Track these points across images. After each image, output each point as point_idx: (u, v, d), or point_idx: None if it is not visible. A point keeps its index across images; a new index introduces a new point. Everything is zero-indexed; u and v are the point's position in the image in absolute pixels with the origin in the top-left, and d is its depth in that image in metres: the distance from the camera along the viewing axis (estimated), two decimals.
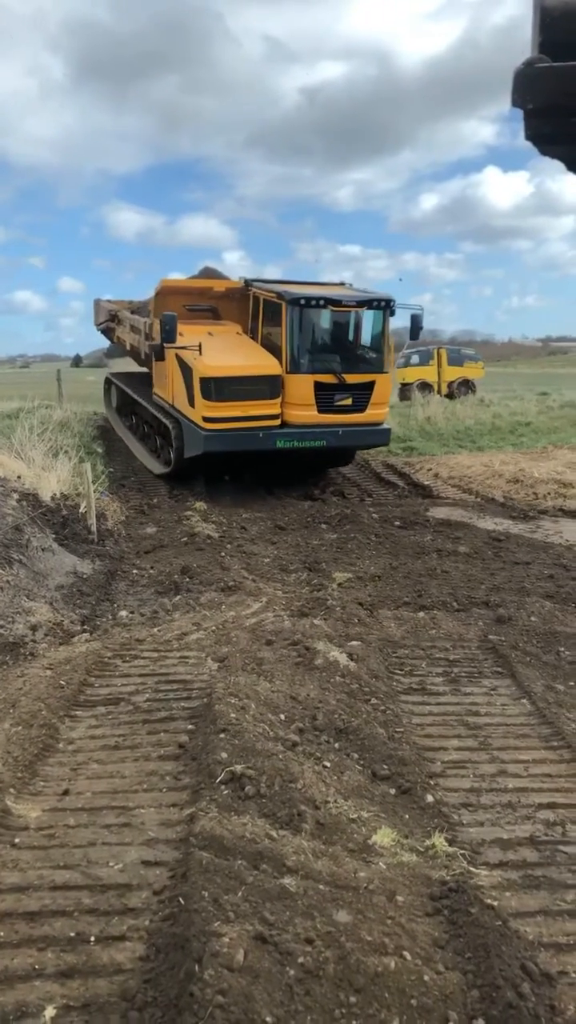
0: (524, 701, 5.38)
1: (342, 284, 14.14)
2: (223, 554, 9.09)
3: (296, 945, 2.87)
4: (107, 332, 18.46)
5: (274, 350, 12.59)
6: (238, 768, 4.05)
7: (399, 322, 13.90)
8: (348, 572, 8.34)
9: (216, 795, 3.89)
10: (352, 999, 2.70)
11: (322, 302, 12.43)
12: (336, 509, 11.90)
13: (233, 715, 4.63)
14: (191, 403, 12.11)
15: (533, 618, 6.93)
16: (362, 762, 4.44)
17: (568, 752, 4.66)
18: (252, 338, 13.33)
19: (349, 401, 12.67)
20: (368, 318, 13.00)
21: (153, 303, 13.55)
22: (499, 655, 6.16)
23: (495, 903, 3.27)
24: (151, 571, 8.36)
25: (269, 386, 12.16)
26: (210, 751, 4.28)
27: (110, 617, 6.95)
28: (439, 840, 3.70)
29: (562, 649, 6.27)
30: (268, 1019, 2.59)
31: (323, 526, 10.82)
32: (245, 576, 8.18)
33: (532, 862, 3.66)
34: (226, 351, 12.31)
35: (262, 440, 12.16)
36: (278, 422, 12.26)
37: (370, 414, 12.94)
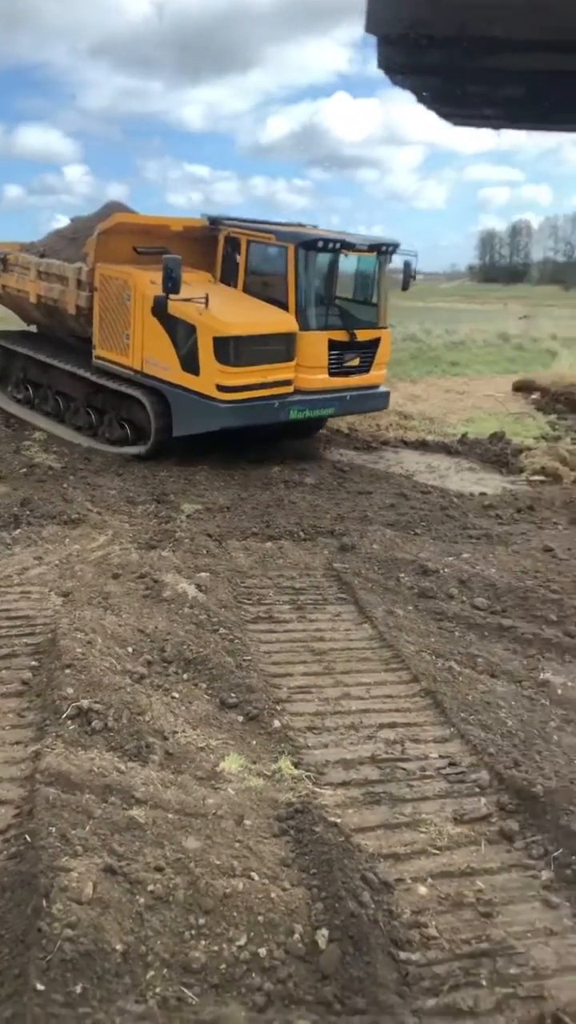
0: (366, 626, 5.58)
1: (301, 225, 11.56)
2: (66, 486, 8.82)
3: (146, 874, 2.90)
4: None
5: (270, 303, 10.44)
6: (85, 703, 4.00)
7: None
8: (197, 504, 8.29)
9: (62, 731, 3.84)
10: (201, 921, 2.77)
11: (338, 245, 10.37)
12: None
13: (79, 650, 4.55)
14: (191, 368, 9.70)
15: (375, 546, 7.15)
16: (210, 691, 4.49)
17: (407, 674, 4.89)
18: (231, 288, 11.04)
19: (357, 361, 10.80)
20: (374, 265, 11.10)
21: (95, 243, 10.63)
22: (343, 582, 6.33)
23: (338, 820, 3.41)
24: None
25: (286, 346, 10.01)
26: (55, 687, 4.20)
27: None
28: (285, 764, 3.81)
29: (402, 575, 6.51)
30: (118, 947, 2.61)
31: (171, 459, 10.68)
32: (90, 509, 7.98)
33: (373, 779, 3.84)
34: (229, 304, 10.13)
35: (276, 411, 10.08)
36: (291, 388, 10.15)
37: (373, 375, 11.16)
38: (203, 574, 6.14)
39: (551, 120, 6.13)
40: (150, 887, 2.85)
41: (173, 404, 9.94)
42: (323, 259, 10.51)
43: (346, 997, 2.60)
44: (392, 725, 4.33)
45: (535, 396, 15.89)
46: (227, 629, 5.23)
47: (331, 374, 10.41)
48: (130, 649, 4.76)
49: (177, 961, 2.63)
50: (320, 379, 10.33)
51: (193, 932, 2.73)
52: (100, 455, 10.57)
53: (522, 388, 16.60)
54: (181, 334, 9.74)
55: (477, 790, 3.78)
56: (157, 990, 2.54)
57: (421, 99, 4.71)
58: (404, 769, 3.94)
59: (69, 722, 3.90)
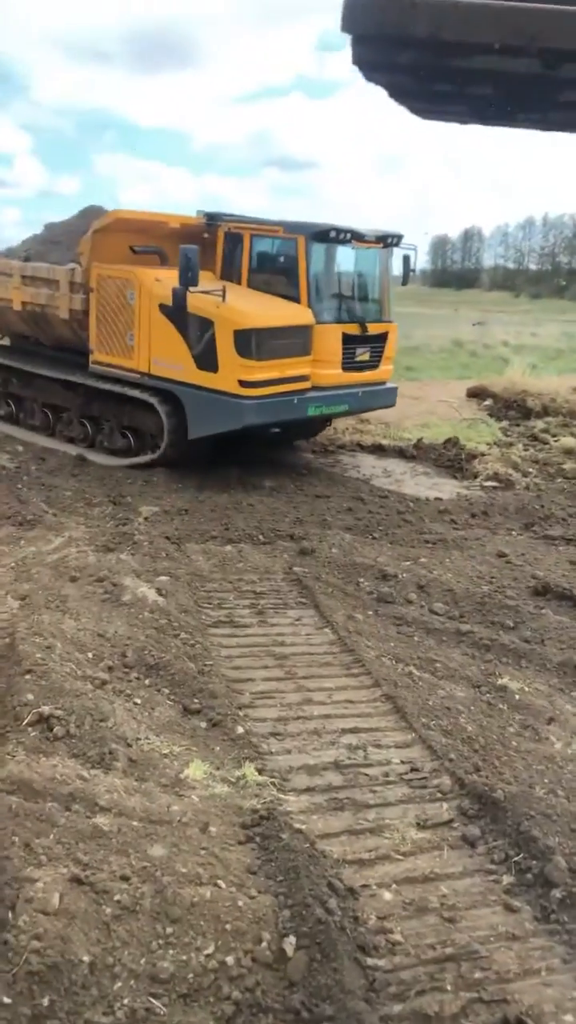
0: (327, 631, 5.61)
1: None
2: (20, 486, 8.71)
3: (112, 883, 2.88)
4: None
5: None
6: (46, 709, 3.95)
7: None
8: (154, 506, 8.25)
9: (23, 738, 3.78)
10: (169, 930, 2.75)
11: (348, 236, 10.05)
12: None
13: (38, 655, 4.49)
14: (207, 366, 9.27)
15: (334, 550, 7.19)
16: (173, 697, 4.48)
17: (368, 679, 4.92)
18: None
19: (367, 356, 10.50)
20: (382, 257, 10.83)
21: (90, 242, 10.11)
22: (303, 586, 6.35)
23: (303, 827, 3.43)
24: None
25: (303, 340, 9.66)
26: (15, 693, 4.14)
27: None
28: (249, 770, 3.81)
29: (361, 580, 6.56)
30: (85, 958, 2.58)
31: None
32: (45, 510, 7.89)
33: (337, 785, 3.87)
34: (243, 298, 9.68)
35: (295, 407, 9.72)
36: (309, 384, 9.82)
37: (382, 371, 10.89)
38: (163, 578, 6.11)
39: (515, 119, 6.30)
40: (117, 897, 2.83)
41: (187, 405, 9.50)
42: (333, 251, 10.25)
43: (314, 1004, 2.61)
44: (354, 730, 4.36)
45: (488, 402, 16.11)
46: (188, 634, 5.21)
47: (344, 369, 10.16)
48: (90, 654, 4.71)
49: (145, 971, 2.62)
50: (335, 374, 10.06)
51: (161, 942, 2.72)
52: (51, 454, 10.45)
53: (476, 394, 16.80)
54: (195, 330, 9.30)
55: (439, 795, 3.83)
56: (125, 1001, 2.52)
57: (392, 95, 4.80)
58: (367, 775, 3.97)
59: (30, 729, 3.85)
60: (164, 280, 9.39)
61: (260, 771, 3.84)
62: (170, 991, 2.58)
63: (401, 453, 12.09)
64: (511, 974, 2.84)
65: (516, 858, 3.39)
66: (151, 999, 2.54)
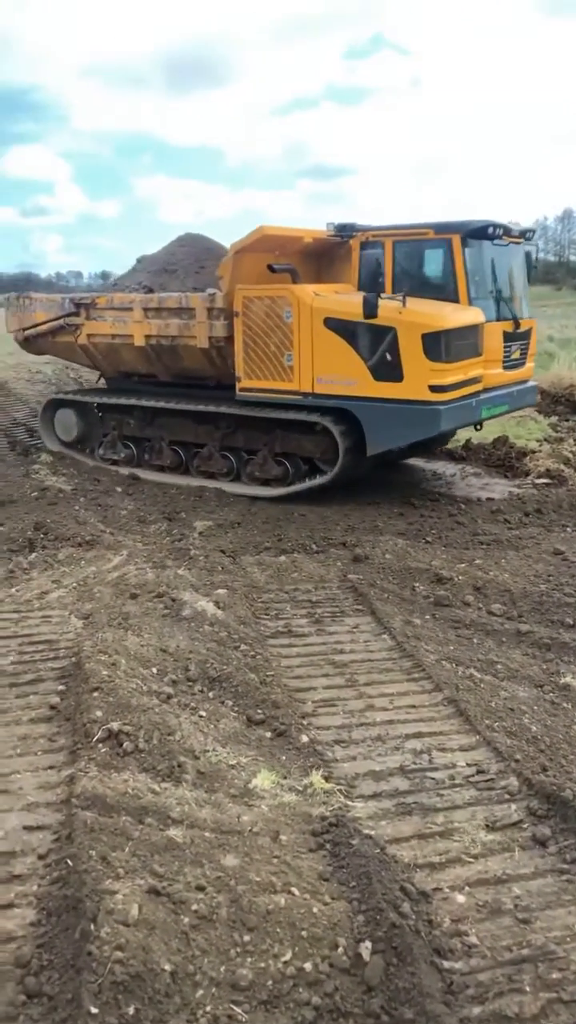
0: (385, 637, 5.62)
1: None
2: (77, 508, 8.90)
3: (188, 893, 2.95)
4: (32, 341, 11.88)
5: None
6: (115, 725, 4.05)
7: None
8: (208, 520, 8.36)
9: (94, 754, 3.88)
10: (246, 938, 2.81)
11: (501, 231, 9.65)
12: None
13: (104, 672, 4.60)
14: (389, 376, 8.80)
15: (388, 555, 7.20)
16: (237, 708, 4.54)
17: (429, 683, 4.93)
18: None
19: (518, 354, 10.17)
20: (523, 252, 10.49)
21: (231, 264, 9.62)
22: (359, 593, 6.38)
23: (373, 832, 3.45)
24: (2, 529, 8.07)
25: (476, 340, 9.29)
26: (84, 710, 4.25)
27: None
28: (316, 778, 3.85)
29: (416, 584, 6.56)
30: (167, 967, 2.65)
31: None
32: (103, 529, 8.05)
33: (403, 790, 3.88)
34: (414, 302, 9.02)
35: (474, 410, 9.33)
36: (482, 386, 9.46)
37: (528, 368, 10.53)
38: (220, 591, 6.19)
39: None
40: (193, 906, 2.89)
41: (365, 420, 9.05)
42: (487, 247, 9.75)
43: (393, 1008, 2.64)
44: (418, 735, 4.37)
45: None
46: (248, 645, 5.28)
47: (503, 368, 9.86)
48: (154, 669, 4.80)
49: (225, 979, 2.67)
50: (499, 373, 9.80)
51: (239, 949, 2.77)
52: (104, 474, 10.58)
53: None
54: (370, 340, 8.88)
55: (507, 796, 3.82)
56: (207, 1008, 2.58)
57: None
58: (433, 778, 3.98)
59: (100, 745, 3.95)
60: (323, 295, 9.18)
61: (327, 778, 3.88)
62: (250, 998, 2.63)
63: (450, 455, 12.02)
64: None
65: None
66: (232, 1006, 2.59)
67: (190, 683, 4.72)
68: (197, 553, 7.17)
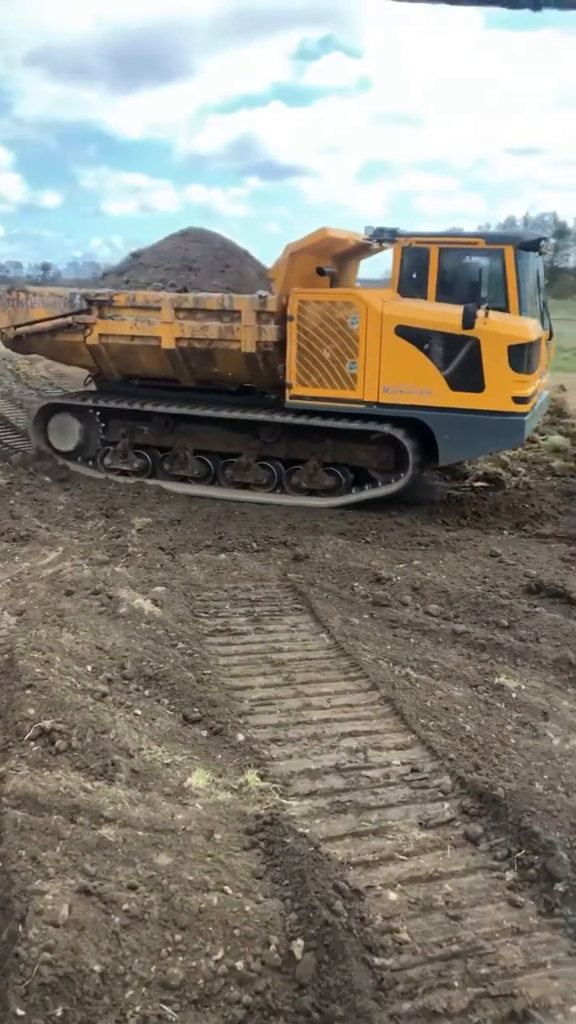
0: (323, 636, 5.64)
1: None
2: (12, 502, 8.72)
3: (120, 893, 2.91)
4: (23, 339, 10.64)
5: None
6: (47, 723, 3.97)
7: None
8: (147, 517, 8.27)
9: (26, 752, 3.80)
10: (178, 937, 2.78)
11: (542, 243, 9.55)
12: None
13: (38, 670, 4.51)
14: (468, 386, 8.64)
15: (328, 555, 7.23)
16: (173, 707, 4.50)
17: (366, 682, 4.96)
18: None
19: (548, 364, 10.12)
20: (542, 264, 10.31)
21: (287, 265, 9.27)
22: (298, 593, 6.39)
23: (307, 831, 3.46)
24: None
25: (540, 352, 9.26)
26: (16, 708, 4.15)
27: None
28: (252, 776, 3.84)
29: (355, 584, 6.60)
30: (96, 968, 2.61)
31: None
32: (38, 525, 7.92)
33: (338, 789, 3.90)
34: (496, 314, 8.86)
35: (529, 422, 9.06)
36: (535, 398, 9.23)
37: (546, 380, 10.44)
38: (158, 588, 6.14)
39: None
40: (125, 906, 2.85)
41: (440, 431, 8.82)
42: (532, 259, 9.56)
43: (324, 1005, 2.64)
44: (354, 734, 4.39)
45: None
46: (185, 643, 5.24)
47: (540, 378, 9.72)
48: (89, 667, 4.73)
49: (156, 979, 2.64)
50: (542, 383, 9.78)
51: (170, 949, 2.75)
52: (47, 469, 10.30)
53: None
54: (448, 349, 8.70)
55: (440, 795, 3.86)
56: (137, 1009, 2.55)
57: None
58: (368, 777, 4.00)
59: (32, 743, 3.87)
60: (388, 300, 8.92)
61: (262, 777, 3.87)
62: (181, 997, 2.61)
63: None
64: (517, 968, 2.88)
65: (518, 854, 3.43)
66: (163, 1006, 2.57)
67: (126, 681, 4.66)
68: (135, 550, 7.10)
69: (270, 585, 6.59)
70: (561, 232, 74.77)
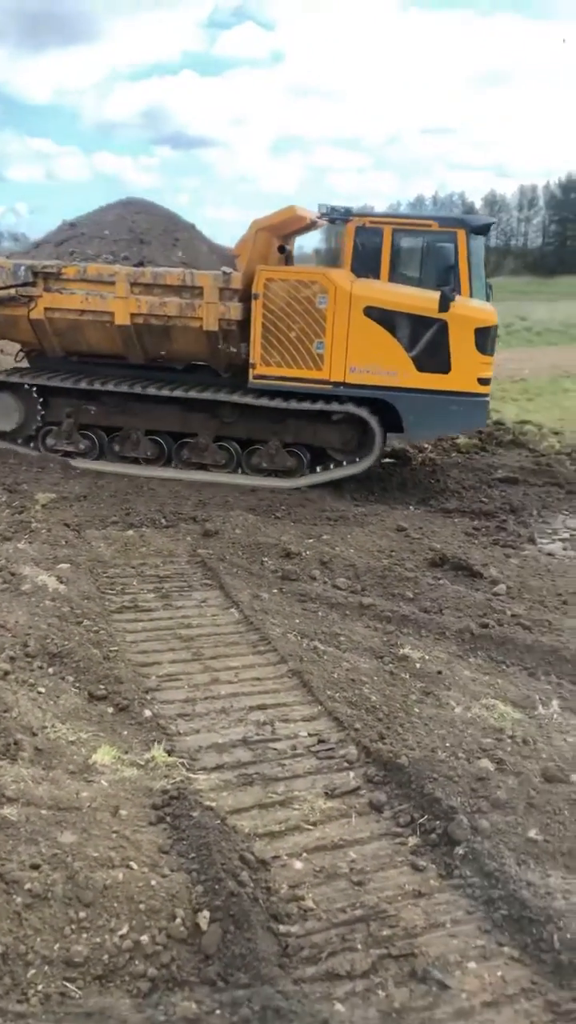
0: (233, 611, 5.65)
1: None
2: None
3: (22, 873, 2.85)
4: None
5: None
6: None
7: None
8: (51, 492, 8.10)
9: None
10: (82, 914, 2.75)
11: (487, 227, 9.74)
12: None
13: None
14: (434, 368, 8.73)
15: (238, 531, 7.23)
16: (78, 684, 4.44)
17: (274, 655, 4.99)
18: None
19: None
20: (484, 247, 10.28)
21: (252, 242, 9.13)
22: (208, 568, 6.37)
23: (214, 804, 3.47)
24: None
25: (496, 336, 9.34)
26: None
27: None
28: (158, 752, 3.82)
29: (265, 559, 6.62)
30: None
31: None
32: None
33: (246, 761, 3.92)
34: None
35: (487, 407, 9.33)
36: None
37: None
38: (63, 565, 6.03)
39: None
40: (27, 885, 2.81)
41: (406, 411, 8.88)
42: (480, 243, 9.58)
43: (229, 974, 2.66)
44: (262, 707, 4.42)
45: None
46: (91, 621, 5.17)
47: None
48: None
49: (59, 957, 2.61)
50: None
51: (74, 927, 2.72)
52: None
53: None
54: (415, 331, 8.77)
55: (346, 765, 3.92)
56: (39, 987, 2.52)
57: None
58: (275, 749, 4.03)
59: None
60: (358, 281, 8.86)
61: (169, 752, 3.86)
62: (84, 974, 2.59)
63: None
64: (418, 929, 2.95)
65: (421, 820, 3.51)
66: (66, 983, 2.54)
67: (29, 659, 4.56)
68: (39, 526, 6.94)
69: (179, 561, 6.54)
70: (469, 212, 76.09)
